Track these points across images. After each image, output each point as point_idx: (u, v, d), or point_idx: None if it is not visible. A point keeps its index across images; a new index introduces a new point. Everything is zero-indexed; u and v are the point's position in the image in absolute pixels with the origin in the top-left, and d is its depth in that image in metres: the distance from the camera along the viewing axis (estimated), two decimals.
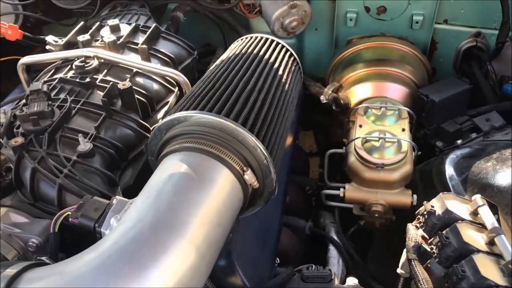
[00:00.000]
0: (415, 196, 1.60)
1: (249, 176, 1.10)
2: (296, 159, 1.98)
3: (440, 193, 1.28)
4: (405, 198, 1.60)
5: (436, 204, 1.26)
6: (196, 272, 0.90)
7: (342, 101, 1.85)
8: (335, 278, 1.17)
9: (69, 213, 1.03)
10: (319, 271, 1.14)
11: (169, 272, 0.85)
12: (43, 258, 0.95)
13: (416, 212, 1.32)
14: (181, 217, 0.93)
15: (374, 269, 1.73)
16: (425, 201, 1.28)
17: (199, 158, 1.07)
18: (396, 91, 1.83)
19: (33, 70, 1.75)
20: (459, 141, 1.76)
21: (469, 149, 1.59)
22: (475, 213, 1.24)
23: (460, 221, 1.21)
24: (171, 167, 1.05)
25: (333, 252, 1.71)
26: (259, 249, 1.33)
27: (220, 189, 1.05)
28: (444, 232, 1.20)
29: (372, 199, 1.61)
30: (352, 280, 1.23)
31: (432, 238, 1.24)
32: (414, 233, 1.29)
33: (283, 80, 1.35)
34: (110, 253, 0.84)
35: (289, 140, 1.76)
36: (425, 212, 1.27)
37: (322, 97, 1.90)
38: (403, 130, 1.67)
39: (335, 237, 1.75)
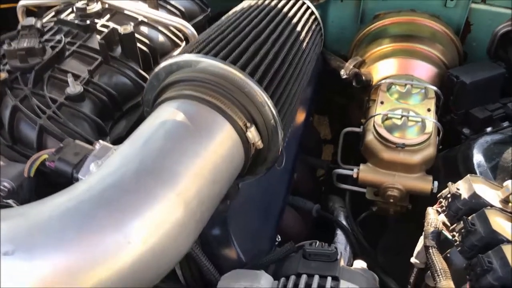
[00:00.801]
0: (436, 182, 1.45)
1: (252, 133, 0.97)
2: (308, 138, 1.84)
3: (468, 175, 1.13)
4: (425, 184, 1.45)
5: (462, 187, 1.11)
6: (183, 229, 0.77)
7: (364, 77, 1.70)
8: (341, 259, 1.04)
9: (47, 156, 0.91)
10: (323, 248, 1.00)
11: (152, 224, 0.72)
12: (10, 201, 0.83)
13: (439, 195, 1.17)
14: (171, 166, 0.80)
15: (384, 260, 1.58)
16: (450, 183, 1.13)
17: (198, 108, 0.95)
18: (423, 70, 1.67)
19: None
20: (488, 129, 1.60)
21: (501, 136, 1.43)
22: (506, 200, 1.09)
23: (488, 207, 1.06)
24: (166, 113, 0.92)
25: (340, 237, 1.57)
26: (259, 222, 1.20)
27: (219, 144, 0.92)
28: (469, 218, 1.05)
29: (388, 182, 1.46)
30: (359, 263, 1.09)
31: (455, 225, 1.09)
32: (434, 217, 1.14)
33: (302, 37, 1.21)
34: (84, 198, 0.71)
35: (301, 116, 1.63)
36: (449, 195, 1.13)
37: (342, 72, 1.75)
38: (429, 110, 1.52)
39: (344, 222, 1.61)
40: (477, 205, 1.07)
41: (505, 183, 1.10)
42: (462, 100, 1.61)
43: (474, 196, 1.08)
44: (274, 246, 1.31)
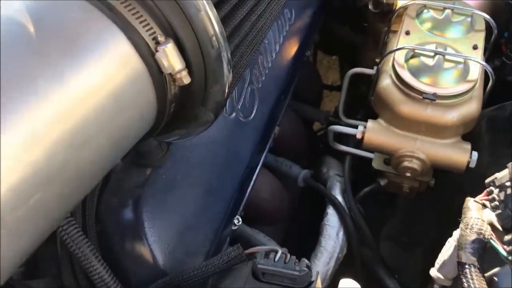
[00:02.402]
0: (475, 154, 1.00)
1: (167, 55, 0.53)
2: (302, 80, 1.38)
3: None
4: (460, 154, 1.00)
5: None
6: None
7: None
8: (317, 280, 0.61)
9: None
10: (287, 266, 0.58)
11: None
12: None
13: (487, 181, 0.73)
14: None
15: (388, 251, 1.17)
16: (511, 163, 0.69)
17: (73, 5, 0.51)
18: None
19: None
20: None
21: None
22: None
23: None
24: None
25: (331, 218, 1.14)
26: (203, 201, 0.77)
27: (101, 72, 0.49)
28: None
29: (407, 149, 1.01)
30: (347, 284, 0.67)
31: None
32: (478, 216, 0.71)
33: None
34: None
35: (290, 47, 1.15)
36: (506, 183, 0.69)
37: None
38: (475, 48, 1.04)
39: (339, 197, 1.18)
40: None
41: None
42: None
43: None
44: (228, 233, 0.89)
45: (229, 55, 0.57)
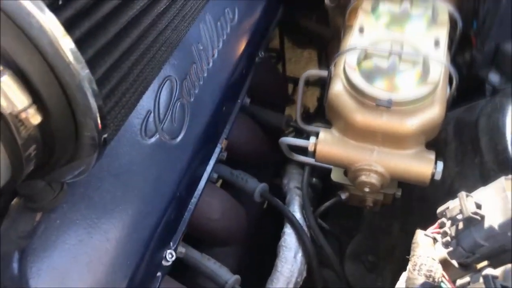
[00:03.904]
0: (440, 164, 0.88)
1: (2, 89, 0.41)
2: (260, 82, 1.26)
3: (502, 178, 0.57)
4: (423, 165, 0.88)
5: (489, 200, 0.56)
6: None
7: None
8: None
9: None
10: None
11: None
12: None
13: (439, 211, 0.62)
14: None
15: (353, 271, 1.06)
16: (462, 193, 0.58)
17: None
18: None
19: None
20: None
21: None
22: None
23: None
24: None
25: (288, 239, 1.03)
26: (111, 244, 0.66)
27: None
28: (499, 270, 0.52)
29: (363, 162, 0.90)
30: None
31: (469, 276, 0.55)
32: (428, 254, 0.60)
33: None
34: None
35: (236, 50, 1.03)
36: (457, 215, 0.58)
37: None
38: (437, 44, 0.92)
39: (298, 214, 1.07)
40: None
41: None
42: (492, 29, 1.01)
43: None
44: (162, 271, 0.78)
45: (93, 83, 0.45)
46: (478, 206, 0.55)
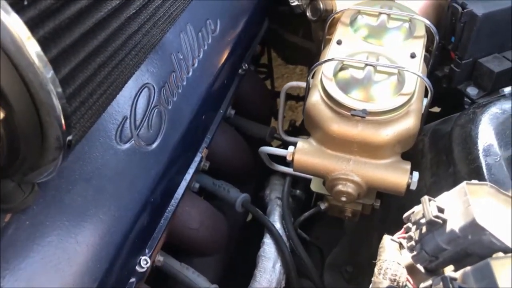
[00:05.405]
0: (416, 174, 0.89)
1: None
2: (244, 94, 1.27)
3: (464, 182, 0.58)
4: (398, 175, 0.89)
5: (451, 205, 0.57)
6: None
7: (321, 5, 1.11)
8: None
9: None
10: None
11: None
12: None
13: (405, 216, 0.63)
14: None
15: (332, 282, 1.06)
16: (425, 197, 0.58)
17: None
18: None
19: None
20: (507, 90, 1.03)
21: None
22: None
23: (499, 254, 0.52)
24: None
25: (267, 249, 1.03)
26: (81, 247, 0.66)
27: None
28: (461, 273, 0.52)
29: (339, 171, 0.91)
30: None
31: (432, 280, 0.56)
32: (393, 258, 0.61)
33: None
34: None
35: (217, 61, 1.05)
36: (421, 219, 0.58)
37: None
38: (413, 57, 0.94)
39: (278, 224, 1.08)
40: (477, 246, 0.54)
41: None
42: (469, 43, 1.03)
43: (472, 226, 0.54)
44: (137, 277, 0.78)
45: (56, 81, 0.46)
46: (441, 210, 0.56)
